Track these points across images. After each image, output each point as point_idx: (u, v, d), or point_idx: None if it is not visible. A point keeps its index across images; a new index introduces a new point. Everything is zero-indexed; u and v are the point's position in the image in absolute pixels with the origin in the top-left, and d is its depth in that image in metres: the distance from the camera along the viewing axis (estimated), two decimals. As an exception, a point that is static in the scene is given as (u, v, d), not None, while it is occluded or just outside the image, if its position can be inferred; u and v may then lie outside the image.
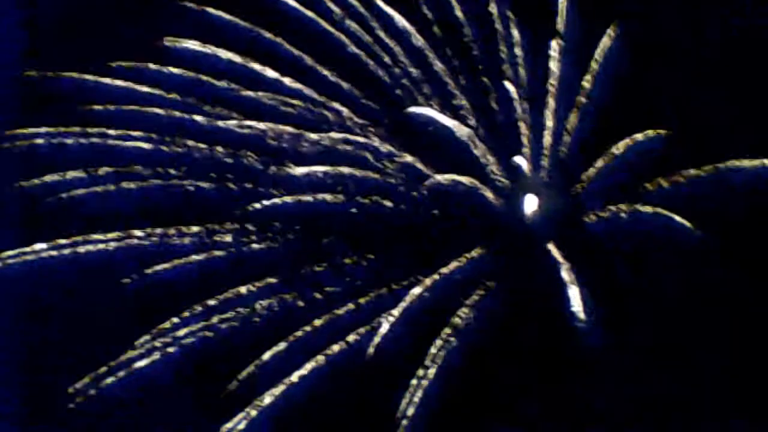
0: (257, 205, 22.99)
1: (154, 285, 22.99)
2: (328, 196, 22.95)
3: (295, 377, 22.20)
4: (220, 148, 23.47)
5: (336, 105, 23.56)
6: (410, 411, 21.69)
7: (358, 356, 21.99)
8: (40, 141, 23.40)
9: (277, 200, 23.01)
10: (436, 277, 22.35)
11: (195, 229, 23.17)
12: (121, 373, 22.55)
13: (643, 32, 23.17)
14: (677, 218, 22.14)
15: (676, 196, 22.42)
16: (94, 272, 23.15)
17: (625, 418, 22.08)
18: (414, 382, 21.76)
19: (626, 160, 22.73)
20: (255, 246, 23.17)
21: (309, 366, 22.24)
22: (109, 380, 22.56)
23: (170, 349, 22.70)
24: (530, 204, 22.51)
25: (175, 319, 22.89)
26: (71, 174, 23.31)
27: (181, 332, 22.90)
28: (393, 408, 21.81)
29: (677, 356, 22.23)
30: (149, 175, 23.32)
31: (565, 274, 21.94)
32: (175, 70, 23.71)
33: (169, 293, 22.99)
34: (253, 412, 22.08)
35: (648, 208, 22.37)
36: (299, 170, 23.06)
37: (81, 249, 23.06)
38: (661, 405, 22.17)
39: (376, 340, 21.94)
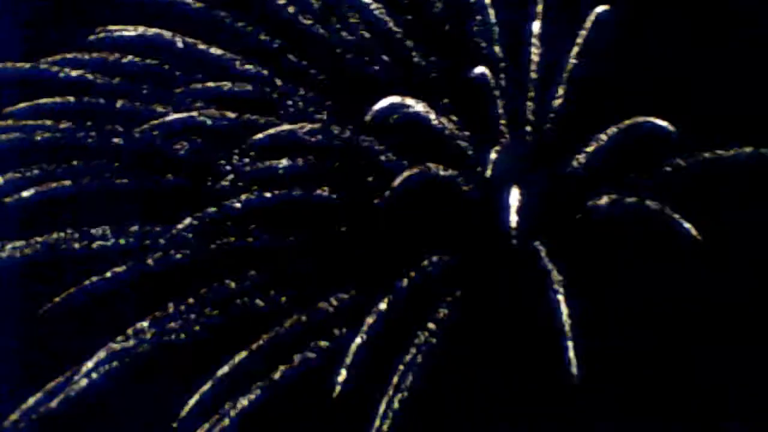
0: (235, 201, 22.39)
1: (135, 282, 22.56)
2: (300, 191, 22.24)
3: (268, 380, 21.75)
4: (193, 142, 22.86)
5: (310, 95, 22.73)
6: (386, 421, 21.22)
7: (332, 360, 21.37)
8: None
9: (250, 195, 22.37)
10: (412, 275, 21.58)
11: (179, 226, 22.64)
12: (94, 376, 22.26)
13: (632, 11, 21.85)
14: (671, 212, 21.07)
15: (666, 186, 21.35)
16: (75, 270, 22.82)
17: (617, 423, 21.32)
18: (389, 392, 21.23)
19: (613, 149, 21.61)
20: (236, 242, 22.60)
21: (282, 368, 21.75)
22: (93, 376, 22.29)
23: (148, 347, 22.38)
24: (512, 197, 21.45)
25: (159, 313, 22.41)
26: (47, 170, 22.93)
27: (171, 326, 22.47)
28: (371, 409, 21.24)
29: (673, 359, 21.33)
30: (116, 171, 22.84)
31: (552, 280, 21.06)
32: (150, 61, 23.07)
33: (148, 290, 22.55)
34: (226, 419, 21.72)
35: (636, 200, 21.33)
36: (272, 163, 22.33)
37: (62, 246, 22.75)
38: (654, 410, 21.32)
39: (357, 340, 21.37)
